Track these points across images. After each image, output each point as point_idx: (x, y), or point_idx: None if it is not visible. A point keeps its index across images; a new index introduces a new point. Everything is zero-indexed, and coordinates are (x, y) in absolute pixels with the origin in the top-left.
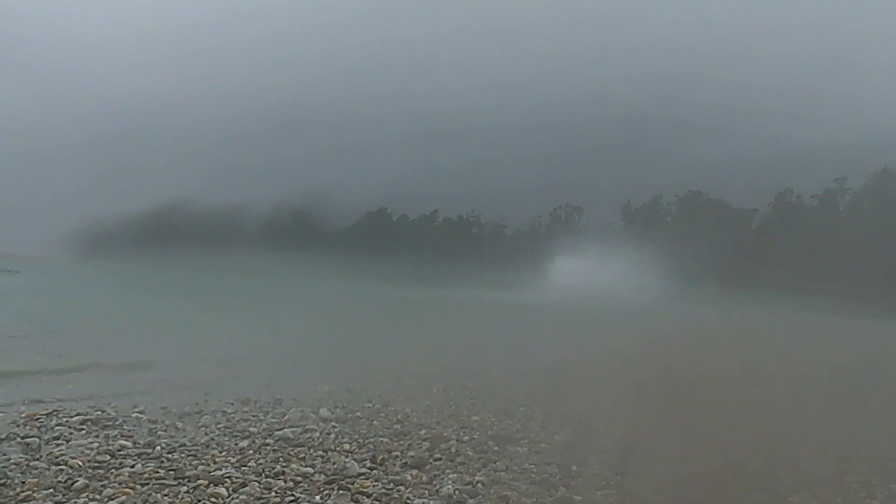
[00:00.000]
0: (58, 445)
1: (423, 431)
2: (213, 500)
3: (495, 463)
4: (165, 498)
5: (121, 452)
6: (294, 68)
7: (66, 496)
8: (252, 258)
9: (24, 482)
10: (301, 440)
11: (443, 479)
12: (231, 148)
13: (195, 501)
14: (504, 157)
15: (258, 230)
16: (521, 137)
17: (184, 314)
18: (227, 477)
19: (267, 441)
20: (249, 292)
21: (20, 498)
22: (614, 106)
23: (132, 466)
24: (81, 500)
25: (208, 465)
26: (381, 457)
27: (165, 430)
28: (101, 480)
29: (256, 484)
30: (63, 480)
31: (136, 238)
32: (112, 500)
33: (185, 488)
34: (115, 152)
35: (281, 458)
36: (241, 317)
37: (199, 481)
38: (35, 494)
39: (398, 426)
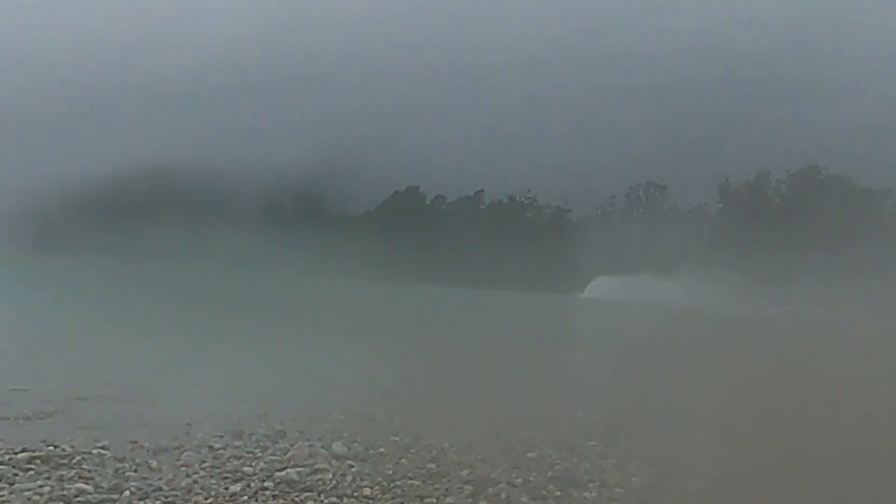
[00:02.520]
0: None
1: (464, 472)
2: None
3: None
4: None
5: (78, 499)
6: (306, 10)
7: None
8: (247, 245)
9: None
10: (309, 483)
11: None
12: (221, 105)
13: None
14: (566, 124)
15: (255, 209)
16: (589, 99)
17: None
18: None
19: (265, 484)
20: (244, 291)
21: None
22: (711, 60)
23: None
24: None
25: None
26: None
27: (136, 471)
28: None
29: None
30: None
31: (98, 219)
32: None
33: None
34: (69, 109)
35: None
36: (236, 323)
37: None
38: None
39: (433, 465)
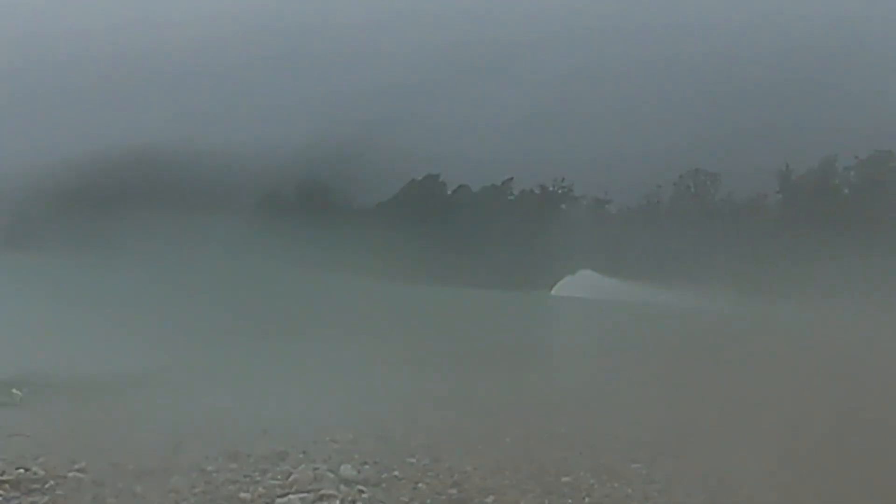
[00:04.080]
0: None
1: (490, 499)
2: None
3: None
4: None
5: None
6: None
7: None
8: (243, 240)
9: None
10: None
11: None
12: (214, 82)
13: None
14: (606, 105)
15: (253, 199)
16: (632, 77)
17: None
18: None
19: None
20: (242, 291)
21: None
22: (773, 32)
23: None
24: None
25: None
26: None
27: (117, 497)
28: None
29: None
30: None
31: (75, 210)
32: None
33: None
34: (41, 86)
35: None
36: (230, 327)
37: None
38: None
39: (454, 491)
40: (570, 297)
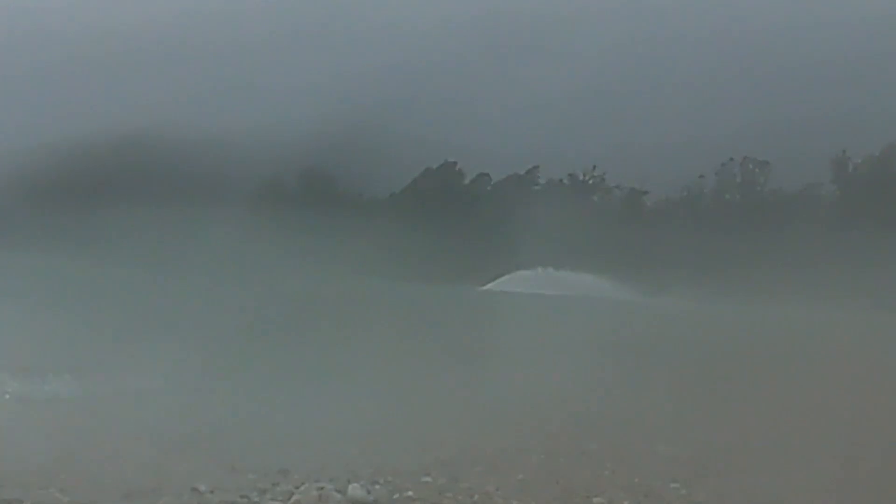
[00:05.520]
0: None
1: None
2: None
3: None
4: None
5: None
6: None
7: None
8: (241, 235)
9: None
10: None
11: None
12: (210, 61)
13: None
14: (643, 86)
15: (252, 190)
16: (673, 55)
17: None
18: None
19: None
20: (240, 291)
21: None
22: (828, 5)
23: None
24: None
25: None
26: None
27: None
28: None
29: None
30: None
31: (53, 202)
32: None
33: None
34: (16, 63)
35: None
36: (229, 329)
37: None
38: None
39: None
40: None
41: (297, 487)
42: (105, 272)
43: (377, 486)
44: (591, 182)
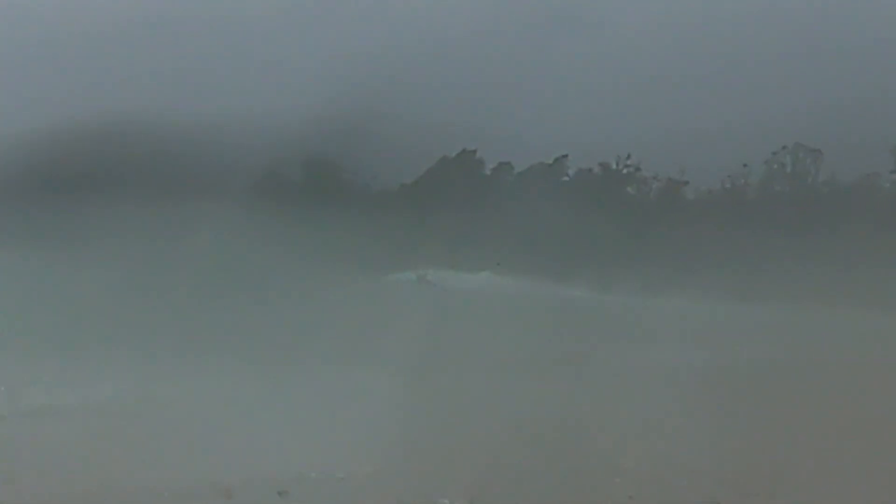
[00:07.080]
0: None
1: None
2: None
3: None
4: None
5: None
6: None
7: None
8: (238, 230)
9: None
10: None
11: None
12: (202, 39)
13: None
14: (682, 66)
15: (250, 180)
16: (719, 33)
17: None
18: None
19: None
20: (238, 291)
21: None
22: None
23: None
24: None
25: None
26: None
27: None
28: None
29: None
30: None
31: (29, 196)
32: None
33: None
34: None
35: None
36: (229, 335)
37: None
38: None
39: None
40: None
41: None
42: (85, 272)
43: None
44: (625, 172)
